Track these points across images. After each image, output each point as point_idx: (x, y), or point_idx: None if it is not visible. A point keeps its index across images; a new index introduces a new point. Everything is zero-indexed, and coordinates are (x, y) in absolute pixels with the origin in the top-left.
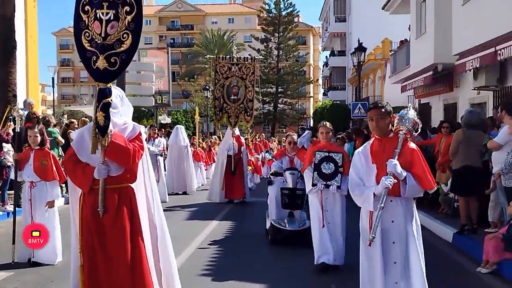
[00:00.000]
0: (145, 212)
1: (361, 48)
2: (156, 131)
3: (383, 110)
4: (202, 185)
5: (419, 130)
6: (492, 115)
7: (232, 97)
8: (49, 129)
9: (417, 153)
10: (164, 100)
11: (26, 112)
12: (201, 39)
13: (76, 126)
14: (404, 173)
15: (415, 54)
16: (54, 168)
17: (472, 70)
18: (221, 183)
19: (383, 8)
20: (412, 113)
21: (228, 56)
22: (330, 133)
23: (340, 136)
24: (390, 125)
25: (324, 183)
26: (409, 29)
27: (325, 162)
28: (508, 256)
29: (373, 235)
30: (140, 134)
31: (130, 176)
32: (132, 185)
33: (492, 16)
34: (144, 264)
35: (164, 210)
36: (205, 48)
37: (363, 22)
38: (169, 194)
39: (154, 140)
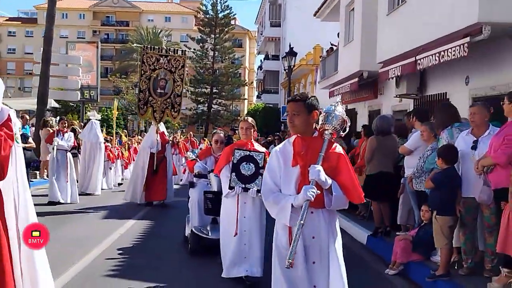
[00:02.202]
0: (13, 220)
1: (292, 53)
2: (66, 124)
3: (301, 104)
4: (119, 184)
5: (347, 129)
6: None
7: (159, 91)
8: None
9: (344, 159)
10: (92, 95)
11: None
12: (136, 36)
13: None
14: (329, 182)
15: (343, 61)
16: None
17: (394, 78)
18: (142, 183)
19: (314, 15)
20: (340, 110)
21: (157, 47)
22: (252, 129)
23: (270, 139)
24: (315, 123)
25: (243, 186)
26: (338, 35)
27: (244, 162)
28: (415, 257)
29: (290, 260)
30: (9, 119)
31: None
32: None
33: (413, 26)
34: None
35: (77, 212)
36: (140, 45)
37: (297, 28)
38: (80, 194)
39: (63, 135)
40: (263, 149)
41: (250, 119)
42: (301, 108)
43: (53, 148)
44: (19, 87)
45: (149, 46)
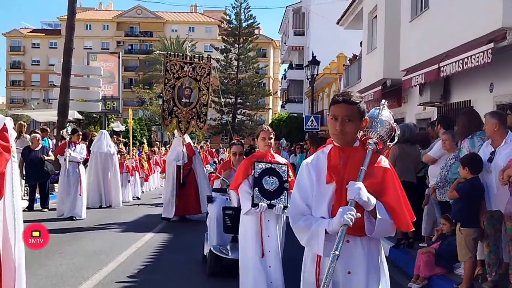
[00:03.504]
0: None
1: (314, 62)
2: (80, 135)
3: (356, 107)
4: (138, 198)
5: (396, 138)
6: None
7: (184, 100)
8: None
9: (391, 174)
10: (114, 106)
11: None
12: (160, 46)
13: None
14: (373, 202)
15: (366, 69)
16: None
17: (417, 86)
18: (173, 197)
19: (337, 23)
20: (386, 114)
21: (181, 54)
22: (273, 139)
23: (292, 148)
24: (359, 130)
25: (268, 202)
26: (360, 44)
27: (267, 175)
28: (438, 271)
29: None
30: (4, 129)
31: None
32: None
33: (436, 33)
34: None
35: (93, 226)
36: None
37: (320, 37)
38: (91, 208)
39: (75, 146)
40: (284, 160)
41: (269, 128)
42: (355, 112)
43: (64, 160)
44: (43, 99)
45: (172, 53)
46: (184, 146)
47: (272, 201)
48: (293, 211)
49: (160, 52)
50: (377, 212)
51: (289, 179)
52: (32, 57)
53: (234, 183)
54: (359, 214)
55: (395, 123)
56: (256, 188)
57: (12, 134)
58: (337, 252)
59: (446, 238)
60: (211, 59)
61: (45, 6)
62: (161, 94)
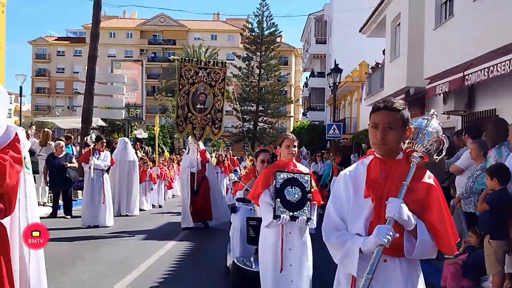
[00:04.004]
0: (17, 261)
1: (336, 69)
2: (104, 143)
3: (398, 115)
4: (159, 206)
5: (444, 151)
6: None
7: (198, 106)
8: None
9: (436, 192)
10: (137, 114)
11: None
12: (183, 54)
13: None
14: (414, 221)
15: (389, 77)
16: None
17: (442, 94)
18: (188, 205)
19: (360, 31)
20: (434, 125)
21: (196, 59)
22: (296, 147)
23: (313, 156)
24: (402, 140)
25: (290, 214)
26: (383, 52)
27: (289, 186)
28: (465, 283)
29: None
30: (16, 140)
31: (1, 206)
32: (4, 221)
33: (461, 41)
34: None
35: (114, 234)
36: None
37: (342, 45)
38: (118, 216)
39: (99, 154)
40: (307, 170)
41: (293, 135)
42: (398, 120)
43: (89, 168)
44: (68, 106)
45: (187, 58)
46: (199, 153)
47: (295, 212)
48: (327, 225)
49: (175, 58)
50: (418, 232)
51: (312, 190)
52: (57, 64)
53: (253, 193)
54: (397, 234)
55: (443, 135)
56: (278, 200)
57: (25, 144)
58: (370, 276)
59: (473, 250)
60: (226, 64)
61: (71, 14)
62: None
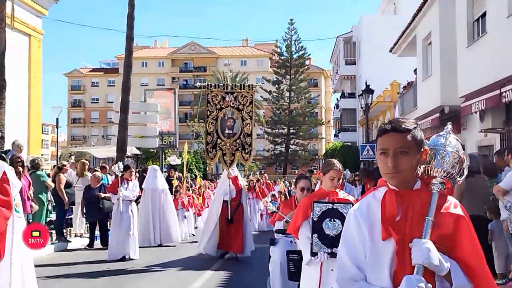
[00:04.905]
0: None
1: (368, 90)
2: (134, 171)
3: (409, 136)
4: (193, 235)
5: (465, 171)
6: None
7: (227, 131)
8: (37, 172)
9: (465, 223)
10: (171, 141)
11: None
12: (214, 80)
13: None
14: (447, 265)
15: (422, 96)
16: None
17: (478, 112)
18: (216, 233)
19: (390, 51)
20: (453, 143)
21: (222, 84)
22: (341, 180)
23: (353, 178)
24: (418, 165)
25: (329, 251)
26: (414, 72)
27: (328, 218)
28: None
29: None
30: (4, 180)
31: None
32: None
33: (496, 58)
34: None
35: (145, 267)
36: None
37: (372, 65)
38: (143, 247)
39: (128, 183)
40: (352, 198)
41: (341, 167)
42: (410, 142)
43: (117, 199)
44: (102, 135)
45: (213, 83)
46: (230, 180)
47: (335, 248)
48: (342, 276)
49: (201, 84)
50: (453, 277)
51: None
52: (91, 95)
53: (292, 226)
54: (430, 286)
55: (463, 152)
56: (316, 235)
57: (15, 185)
58: None
59: None
60: (253, 86)
61: (104, 46)
62: (204, 126)
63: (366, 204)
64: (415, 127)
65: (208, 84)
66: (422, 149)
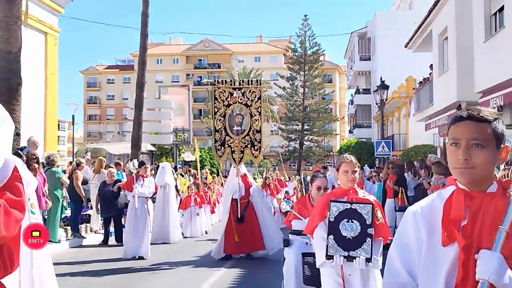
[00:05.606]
0: None
1: (383, 86)
2: (148, 168)
3: (489, 127)
4: (206, 232)
5: None
6: None
7: (235, 128)
8: (53, 169)
9: None
10: (185, 138)
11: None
12: (228, 77)
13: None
14: None
15: (438, 92)
16: None
17: (496, 108)
18: (226, 234)
19: (405, 46)
20: None
21: (229, 80)
22: (357, 173)
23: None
24: (496, 165)
25: (345, 254)
26: (430, 67)
27: (345, 219)
28: None
29: None
30: (16, 177)
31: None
32: (5, 280)
33: None
34: None
35: (157, 265)
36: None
37: (387, 61)
38: (154, 244)
39: (143, 180)
40: (372, 197)
41: (353, 159)
42: (489, 135)
43: (133, 197)
44: (118, 132)
45: (220, 80)
46: (240, 177)
47: (352, 252)
48: (389, 280)
49: (208, 81)
50: None
51: (377, 222)
52: (107, 92)
53: (309, 226)
54: None
55: None
56: (332, 236)
57: (30, 182)
58: None
59: None
60: (261, 81)
61: (120, 43)
62: (212, 123)
63: (430, 203)
64: (496, 118)
65: (215, 81)
66: (502, 145)
